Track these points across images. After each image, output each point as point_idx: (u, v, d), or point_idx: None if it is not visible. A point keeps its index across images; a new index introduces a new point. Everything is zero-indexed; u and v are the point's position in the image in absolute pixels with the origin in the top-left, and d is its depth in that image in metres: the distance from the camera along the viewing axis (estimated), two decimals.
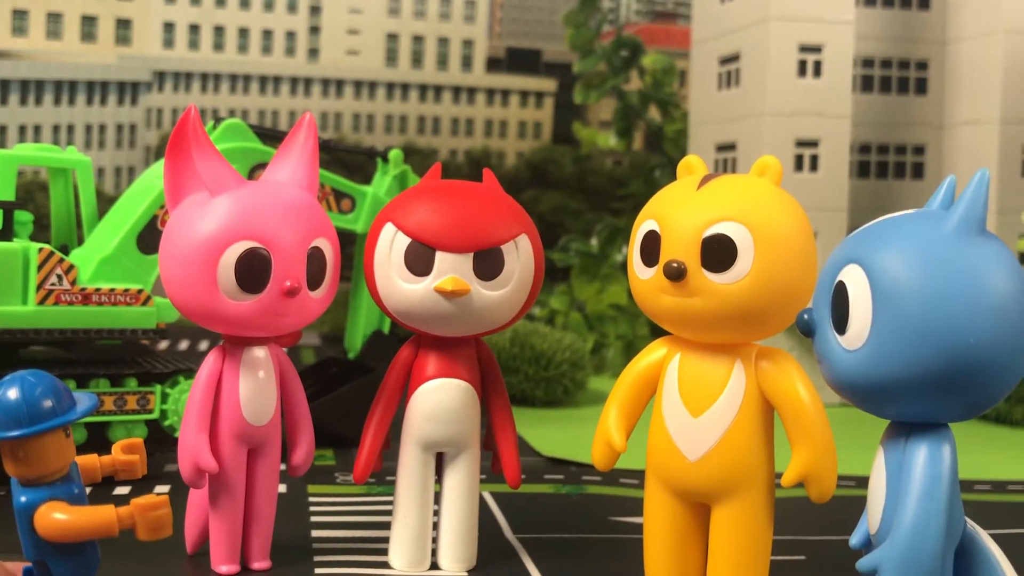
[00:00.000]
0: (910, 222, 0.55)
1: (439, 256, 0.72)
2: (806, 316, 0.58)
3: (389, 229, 0.73)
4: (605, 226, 2.05)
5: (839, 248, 0.58)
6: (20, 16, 2.31)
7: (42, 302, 0.95)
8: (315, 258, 0.71)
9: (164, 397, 1.02)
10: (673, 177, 0.73)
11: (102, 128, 2.36)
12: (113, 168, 2.38)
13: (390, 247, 0.73)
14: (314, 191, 0.75)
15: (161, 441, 1.02)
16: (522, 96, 2.58)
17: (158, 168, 1.09)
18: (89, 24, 2.34)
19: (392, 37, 2.48)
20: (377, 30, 2.48)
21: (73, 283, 0.96)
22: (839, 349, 0.55)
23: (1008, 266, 0.52)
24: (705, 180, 0.68)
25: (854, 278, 0.54)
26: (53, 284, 0.95)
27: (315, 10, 2.45)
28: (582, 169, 2.51)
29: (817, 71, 1.62)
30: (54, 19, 2.33)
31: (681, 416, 0.67)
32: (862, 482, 0.97)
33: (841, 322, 0.55)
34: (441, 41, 2.51)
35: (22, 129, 2.29)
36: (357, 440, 0.78)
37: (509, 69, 2.58)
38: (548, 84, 2.59)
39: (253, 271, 0.68)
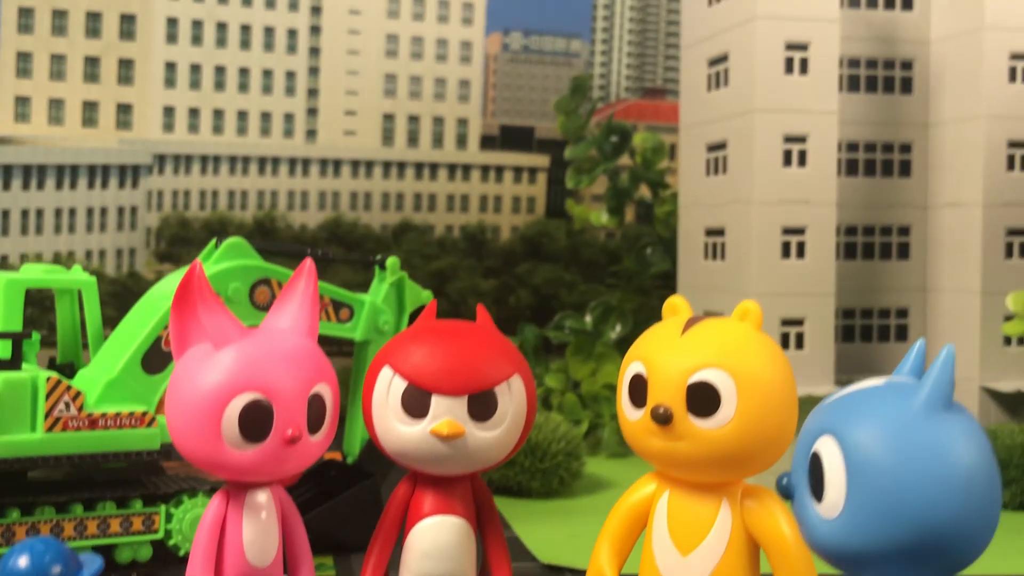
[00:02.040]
0: (882, 396, 0.58)
1: (435, 399, 0.75)
2: (784, 481, 0.61)
3: (387, 372, 0.76)
4: (599, 303, 2.08)
5: (815, 415, 0.60)
6: (23, 103, 2.36)
7: (50, 429, 0.97)
8: (315, 404, 0.74)
9: (168, 517, 1.04)
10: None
11: (103, 211, 2.40)
12: (115, 250, 2.41)
13: (388, 389, 0.76)
14: (314, 336, 0.78)
15: (166, 561, 1.04)
16: (516, 172, 2.63)
17: (162, 287, 1.12)
18: (90, 109, 2.39)
19: (388, 117, 2.54)
20: (373, 111, 2.53)
21: (80, 409, 0.99)
22: (816, 516, 0.58)
23: (974, 441, 0.55)
24: (689, 324, 0.71)
25: (829, 451, 0.57)
26: (61, 411, 0.98)
27: (312, 92, 2.51)
28: (575, 242, 2.56)
29: (802, 160, 1.65)
30: (56, 105, 2.38)
31: (671, 555, 0.70)
32: None
33: (818, 490, 0.57)
34: (436, 120, 2.56)
35: (24, 213, 2.33)
36: (357, 546, 0.79)
37: (503, 146, 2.62)
38: (541, 160, 2.64)
39: (256, 422, 0.71)
